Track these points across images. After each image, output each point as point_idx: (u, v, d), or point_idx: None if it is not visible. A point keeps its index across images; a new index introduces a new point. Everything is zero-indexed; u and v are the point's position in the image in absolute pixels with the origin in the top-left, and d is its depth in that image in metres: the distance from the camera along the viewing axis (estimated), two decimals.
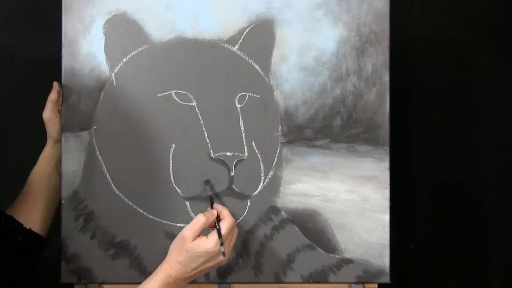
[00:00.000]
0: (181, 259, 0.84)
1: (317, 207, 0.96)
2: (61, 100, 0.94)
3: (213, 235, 0.84)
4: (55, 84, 0.93)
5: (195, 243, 0.84)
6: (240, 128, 0.95)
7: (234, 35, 0.95)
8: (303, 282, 0.96)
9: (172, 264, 0.84)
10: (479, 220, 1.30)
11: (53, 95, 0.93)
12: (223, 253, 0.84)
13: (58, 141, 0.95)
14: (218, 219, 0.87)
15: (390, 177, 0.97)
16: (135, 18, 0.95)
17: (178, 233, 0.94)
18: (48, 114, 0.93)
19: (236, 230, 0.89)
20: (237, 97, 0.95)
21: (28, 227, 0.91)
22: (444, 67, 1.28)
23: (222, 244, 0.84)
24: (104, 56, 0.95)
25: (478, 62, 1.28)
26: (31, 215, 0.93)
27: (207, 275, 0.95)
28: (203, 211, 0.94)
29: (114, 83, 0.95)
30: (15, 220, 0.90)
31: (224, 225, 0.86)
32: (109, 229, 0.95)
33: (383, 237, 0.96)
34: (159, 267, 0.85)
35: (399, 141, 1.04)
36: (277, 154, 0.96)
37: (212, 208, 0.90)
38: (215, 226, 0.86)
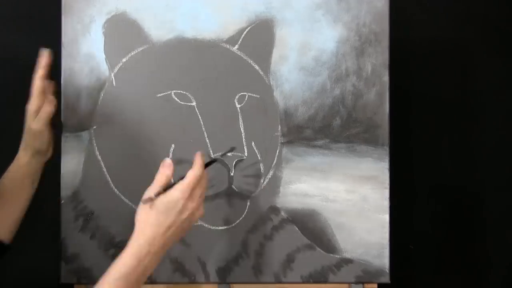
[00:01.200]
0: (151, 219, 0.77)
1: (317, 207, 0.96)
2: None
3: (179, 184, 0.78)
4: (52, 98, 0.88)
5: (161, 197, 0.77)
6: (240, 128, 0.95)
7: (233, 35, 0.95)
8: (303, 282, 0.96)
9: (142, 229, 0.76)
10: (479, 220, 1.30)
11: (50, 108, 0.87)
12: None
13: (41, 153, 0.91)
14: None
15: (390, 177, 0.97)
16: (135, 18, 0.95)
17: None
18: (41, 126, 0.88)
19: (204, 183, 0.81)
20: (237, 97, 0.95)
21: None
22: (444, 67, 1.28)
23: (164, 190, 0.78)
24: (103, 56, 0.95)
25: (478, 62, 1.28)
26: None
27: (207, 275, 0.95)
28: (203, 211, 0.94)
29: (114, 83, 0.95)
30: None
31: (189, 174, 0.79)
32: (109, 229, 0.95)
33: (383, 237, 0.96)
34: (128, 241, 0.77)
35: (398, 141, 1.04)
36: (276, 154, 0.96)
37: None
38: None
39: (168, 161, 0.80)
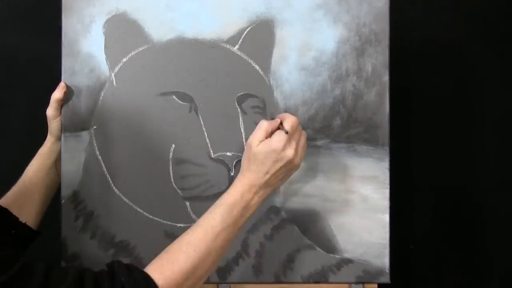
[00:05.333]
0: (252, 166, 0.85)
1: (317, 207, 0.96)
2: (64, 100, 0.94)
3: (276, 134, 0.85)
4: (62, 84, 0.94)
5: (260, 146, 0.84)
6: (240, 128, 0.95)
7: (234, 35, 0.95)
8: (303, 282, 0.96)
9: (245, 173, 0.85)
10: (479, 220, 1.30)
11: (57, 94, 0.93)
12: (286, 131, 0.84)
13: (59, 139, 0.95)
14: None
15: (390, 177, 0.97)
16: (135, 18, 0.95)
17: (178, 233, 0.94)
18: (52, 112, 0.94)
19: (304, 133, 0.89)
20: (237, 97, 0.95)
21: (23, 221, 0.90)
22: (444, 67, 1.28)
23: (286, 132, 0.84)
24: (104, 56, 0.95)
25: (478, 62, 1.28)
26: (25, 209, 0.92)
27: None
28: (203, 211, 0.94)
29: (114, 83, 0.95)
30: (11, 213, 0.89)
31: (287, 123, 0.86)
32: (109, 229, 0.95)
33: (383, 237, 0.96)
34: (235, 179, 0.86)
35: (399, 141, 1.04)
36: None
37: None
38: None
39: (278, 118, 0.87)
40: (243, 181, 0.85)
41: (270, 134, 0.86)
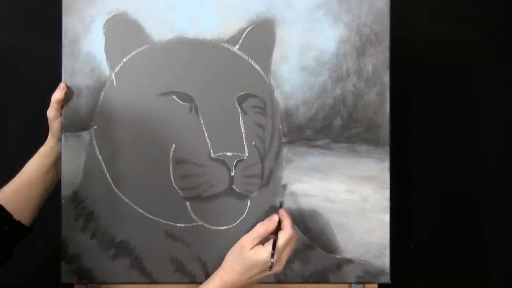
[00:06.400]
0: (237, 267, 0.86)
1: (317, 207, 0.96)
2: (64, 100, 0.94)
3: (269, 245, 0.85)
4: (62, 85, 0.93)
5: (252, 251, 0.85)
6: (240, 128, 0.95)
7: (234, 35, 0.95)
8: (303, 282, 0.96)
9: (228, 271, 0.87)
10: (479, 220, 1.30)
11: (57, 95, 0.93)
12: (270, 267, 0.85)
13: (60, 139, 0.95)
14: (279, 227, 0.87)
15: (391, 177, 0.97)
16: (136, 18, 0.95)
17: (178, 233, 0.95)
18: (53, 113, 0.94)
19: (293, 242, 0.89)
20: (237, 97, 0.95)
21: (18, 219, 0.90)
22: (444, 67, 1.28)
23: (272, 256, 0.84)
24: (104, 56, 0.95)
25: (478, 62, 1.29)
26: (22, 205, 0.92)
27: (207, 275, 0.95)
28: (203, 211, 0.94)
29: (114, 83, 0.95)
30: (5, 210, 0.89)
31: (281, 237, 0.86)
32: (109, 229, 0.95)
33: (383, 237, 0.96)
34: (215, 272, 0.88)
35: (399, 141, 1.04)
36: (277, 154, 0.96)
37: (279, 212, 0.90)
38: (274, 234, 0.87)
39: (276, 218, 0.88)
40: (226, 279, 0.87)
41: (265, 238, 0.87)
